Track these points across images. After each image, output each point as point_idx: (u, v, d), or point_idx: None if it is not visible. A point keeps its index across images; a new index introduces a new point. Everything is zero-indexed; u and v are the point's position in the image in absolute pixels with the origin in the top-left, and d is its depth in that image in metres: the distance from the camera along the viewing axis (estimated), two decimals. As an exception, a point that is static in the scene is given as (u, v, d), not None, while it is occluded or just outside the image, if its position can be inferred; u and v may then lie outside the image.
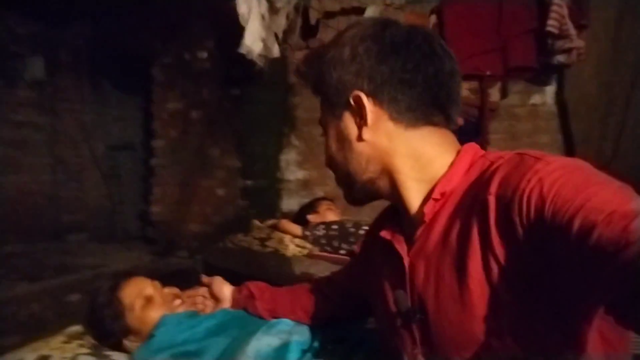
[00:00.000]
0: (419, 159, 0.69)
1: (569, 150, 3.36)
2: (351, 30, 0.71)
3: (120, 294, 1.12)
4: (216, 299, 1.19)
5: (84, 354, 1.06)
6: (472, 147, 0.71)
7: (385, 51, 0.67)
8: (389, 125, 0.69)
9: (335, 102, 0.72)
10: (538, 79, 3.36)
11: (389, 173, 0.70)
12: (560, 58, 2.99)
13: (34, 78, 4.64)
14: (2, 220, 4.51)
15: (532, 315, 0.55)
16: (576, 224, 0.46)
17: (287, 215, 3.89)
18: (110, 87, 5.66)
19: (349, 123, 0.71)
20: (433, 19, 3.19)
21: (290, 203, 4.09)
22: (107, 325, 1.10)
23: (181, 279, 1.29)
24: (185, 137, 4.61)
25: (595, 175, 0.52)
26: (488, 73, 3.12)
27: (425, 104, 0.68)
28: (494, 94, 3.37)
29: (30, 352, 1.05)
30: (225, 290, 1.19)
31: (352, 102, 0.69)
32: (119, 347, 1.12)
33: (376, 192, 0.74)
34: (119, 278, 1.18)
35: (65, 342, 1.11)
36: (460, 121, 2.69)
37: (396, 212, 0.76)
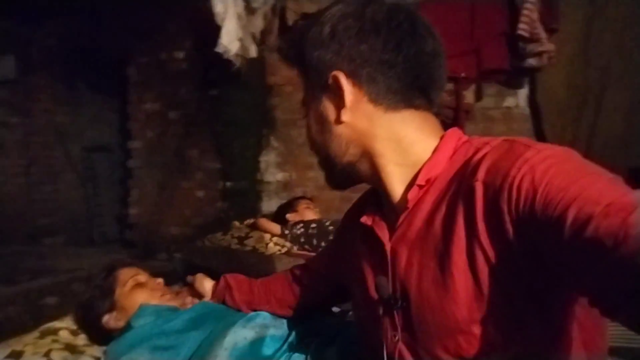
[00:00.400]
0: (400, 142, 0.67)
1: (542, 151, 3.44)
2: (333, 7, 0.68)
3: (117, 272, 1.20)
4: (198, 295, 1.21)
5: (58, 349, 1.05)
6: (456, 132, 0.69)
7: (365, 30, 0.64)
8: (368, 107, 0.66)
9: (315, 83, 0.69)
10: (511, 82, 3.43)
11: (369, 156, 0.68)
12: (532, 61, 3.07)
13: (5, 77, 4.55)
14: (-26, 223, 4.40)
15: (515, 303, 0.55)
16: (571, 214, 0.44)
17: (267, 216, 3.89)
18: (84, 87, 5.57)
19: (328, 104, 0.68)
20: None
21: (271, 204, 4.08)
22: (98, 301, 1.15)
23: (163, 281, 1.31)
24: (163, 138, 4.57)
25: (587, 165, 0.51)
26: (463, 75, 3.18)
27: (406, 86, 0.65)
28: (469, 96, 3.44)
29: (2, 347, 1.04)
30: (207, 285, 1.19)
31: (330, 82, 0.67)
32: (96, 328, 1.14)
33: (357, 175, 0.71)
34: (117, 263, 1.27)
35: (39, 338, 1.10)
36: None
37: (377, 196, 0.74)
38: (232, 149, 4.26)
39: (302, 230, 2.19)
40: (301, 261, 1.98)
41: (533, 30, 2.93)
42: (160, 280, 1.24)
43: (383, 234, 0.69)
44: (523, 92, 3.47)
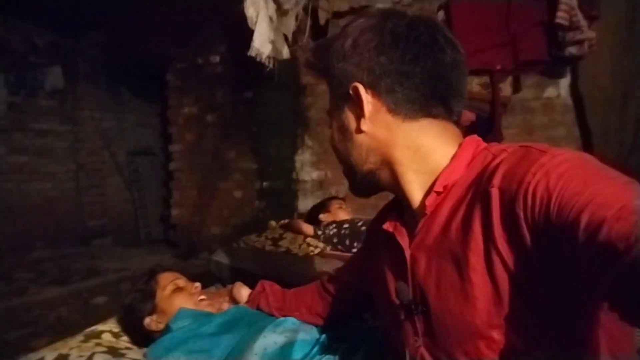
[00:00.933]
0: (418, 150, 0.68)
1: (586, 143, 3.31)
2: (356, 21, 0.71)
3: (158, 276, 1.25)
4: (235, 301, 1.26)
5: (101, 352, 1.11)
6: (474, 140, 0.69)
7: (384, 43, 0.67)
8: (387, 117, 0.68)
9: (337, 93, 0.72)
10: (551, 72, 3.31)
11: (389, 164, 0.70)
12: (572, 50, 2.94)
13: (54, 87, 4.79)
14: (29, 227, 4.67)
15: (534, 308, 0.55)
16: (584, 219, 0.45)
17: (303, 215, 3.92)
18: (127, 93, 5.80)
19: (349, 114, 0.71)
20: (441, 15, 3.18)
21: (306, 203, 4.12)
22: (140, 303, 1.21)
23: (204, 280, 1.36)
24: (201, 141, 4.70)
25: (602, 169, 0.51)
26: (498, 67, 3.09)
27: (424, 96, 0.67)
28: (506, 88, 3.33)
29: (50, 351, 1.10)
30: (244, 292, 1.26)
31: (351, 93, 0.69)
32: (138, 330, 1.20)
33: (377, 183, 0.73)
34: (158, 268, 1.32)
35: (83, 342, 1.16)
36: (472, 117, 2.67)
37: (399, 204, 0.76)
38: (268, 149, 4.32)
39: (335, 230, 2.20)
40: (334, 262, 2.00)
41: (572, 18, 2.81)
42: (197, 284, 1.28)
43: (403, 240, 0.71)
44: (565, 82, 3.34)
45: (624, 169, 0.51)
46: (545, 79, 3.37)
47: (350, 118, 0.71)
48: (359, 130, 0.70)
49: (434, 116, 0.69)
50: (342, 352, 1.00)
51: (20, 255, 4.46)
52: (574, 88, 3.31)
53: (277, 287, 1.22)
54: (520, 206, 0.53)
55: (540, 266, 0.53)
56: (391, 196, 0.81)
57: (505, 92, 3.30)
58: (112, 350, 1.13)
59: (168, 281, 1.24)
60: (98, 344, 1.15)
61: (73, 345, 1.13)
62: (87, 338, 1.18)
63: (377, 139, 0.69)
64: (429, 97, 0.67)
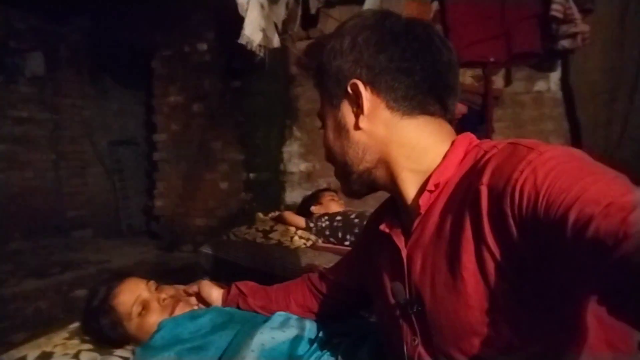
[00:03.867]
0: (414, 148, 0.69)
1: (575, 136, 3.33)
2: (352, 21, 0.72)
3: (115, 302, 1.08)
4: (205, 303, 1.18)
5: (87, 350, 1.05)
6: (467, 137, 0.70)
7: (384, 40, 0.68)
8: (385, 114, 0.69)
9: (334, 92, 0.72)
10: (542, 65, 3.32)
11: (385, 163, 0.71)
12: (565, 43, 2.95)
13: (34, 73, 4.63)
14: (7, 217, 4.53)
15: (527, 304, 0.55)
16: (572, 216, 0.45)
17: (290, 207, 3.88)
18: (110, 81, 5.65)
19: (347, 112, 0.71)
20: (435, 5, 3.14)
21: (294, 195, 4.08)
22: (107, 333, 1.07)
23: (187, 273, 1.26)
24: (187, 130, 4.60)
25: (590, 165, 0.51)
26: (492, 59, 3.08)
27: (422, 93, 0.68)
28: (498, 81, 3.33)
29: (32, 349, 1.04)
30: (214, 293, 1.17)
31: (349, 90, 0.69)
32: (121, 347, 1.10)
33: (373, 182, 0.74)
34: (113, 282, 1.13)
35: (68, 339, 1.10)
36: (464, 109, 2.66)
37: (394, 204, 0.77)
38: (255, 140, 4.25)
39: (327, 223, 2.16)
40: (326, 254, 1.97)
41: (567, 11, 2.81)
42: (164, 293, 1.13)
43: (399, 240, 0.71)
44: (555, 76, 3.35)
45: (612, 163, 0.50)
46: (535, 72, 3.38)
47: (347, 116, 0.71)
48: (356, 127, 0.70)
49: (431, 114, 0.70)
50: (344, 349, 0.96)
51: (-2, 247, 4.32)
52: (564, 82, 3.33)
53: (253, 285, 1.16)
54: (508, 203, 0.53)
55: (530, 263, 0.53)
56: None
57: (498, 85, 3.29)
58: (98, 348, 1.06)
59: (130, 305, 1.08)
60: (84, 341, 1.09)
61: (57, 343, 1.07)
62: (72, 335, 1.11)
63: (374, 136, 0.70)
64: (427, 95, 0.68)
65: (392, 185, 0.72)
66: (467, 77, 3.28)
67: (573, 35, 2.90)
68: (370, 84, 0.68)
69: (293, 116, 4.04)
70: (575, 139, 3.33)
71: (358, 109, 0.70)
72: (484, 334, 0.58)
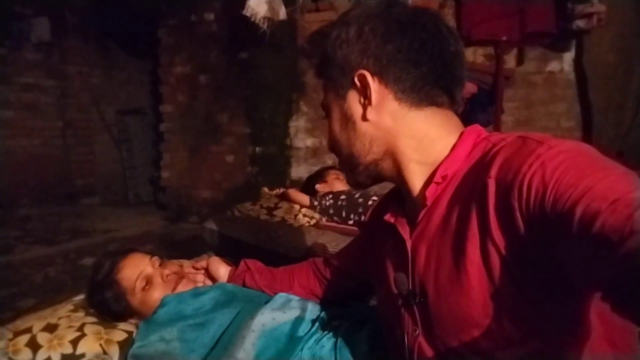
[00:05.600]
0: (422, 140, 0.68)
1: (586, 119, 3.28)
2: (357, 9, 0.71)
3: (119, 276, 1.10)
4: (213, 279, 1.21)
5: (91, 322, 1.07)
6: (475, 129, 0.69)
7: (391, 30, 0.66)
8: (393, 105, 0.68)
9: (339, 82, 0.71)
10: (556, 45, 3.24)
11: (392, 154, 0.70)
12: (580, 23, 2.87)
13: (40, 39, 4.59)
14: (15, 184, 4.58)
15: (530, 298, 0.55)
16: (579, 210, 0.45)
17: (295, 182, 3.89)
18: (117, 49, 5.60)
19: (353, 103, 0.70)
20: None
21: (299, 170, 4.08)
22: (111, 307, 1.10)
23: (192, 245, 1.28)
24: (193, 102, 4.57)
25: (599, 161, 0.51)
26: (504, 38, 3.00)
27: (430, 84, 0.67)
28: (510, 60, 3.26)
29: (38, 320, 1.06)
30: (222, 270, 1.20)
31: (357, 81, 0.68)
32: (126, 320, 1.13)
33: (379, 173, 0.73)
34: (117, 256, 1.15)
35: (73, 311, 1.12)
36: (474, 89, 2.60)
37: (399, 195, 0.76)
38: (262, 113, 4.23)
39: (331, 201, 2.16)
40: (330, 233, 1.98)
41: (584, -11, 2.72)
42: (168, 269, 1.14)
43: (404, 231, 0.71)
44: (568, 56, 3.28)
45: (619, 157, 0.48)
46: (549, 52, 3.30)
47: (354, 107, 0.70)
48: (364, 119, 0.69)
49: (439, 105, 0.69)
50: (344, 331, 0.97)
51: (6, 213, 4.38)
52: (577, 63, 3.26)
53: (261, 264, 1.19)
54: (516, 197, 0.53)
55: (535, 257, 0.53)
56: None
57: (509, 65, 3.23)
58: (102, 322, 1.09)
59: (133, 280, 1.09)
60: (88, 314, 1.11)
61: (62, 315, 1.09)
62: (77, 307, 1.14)
63: (382, 127, 0.69)
64: (435, 86, 0.68)
65: (399, 177, 0.71)
66: (478, 55, 3.21)
67: (589, 15, 2.82)
68: (377, 74, 0.67)
69: (300, 90, 4.00)
70: (587, 122, 3.28)
71: (365, 100, 0.69)
72: (485, 327, 0.58)
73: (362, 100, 0.69)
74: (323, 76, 0.74)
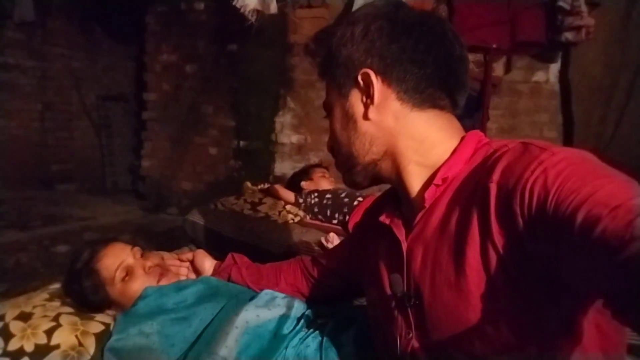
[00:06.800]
0: (423, 142, 0.68)
1: (568, 131, 3.33)
2: (363, 9, 0.71)
3: (99, 265, 1.07)
4: (197, 272, 1.19)
5: (67, 313, 1.03)
6: (476, 135, 0.69)
7: (397, 30, 0.67)
8: (395, 105, 0.68)
9: (343, 81, 0.71)
10: (543, 56, 3.29)
11: (392, 155, 0.70)
12: (569, 35, 2.92)
13: (23, 19, 4.44)
14: (-11, 165, 4.43)
15: (529, 304, 0.55)
16: (580, 216, 0.45)
17: (279, 178, 3.86)
18: (101, 33, 5.47)
19: (356, 102, 0.70)
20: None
21: (283, 166, 4.05)
22: (89, 297, 1.06)
23: (171, 237, 1.25)
24: (178, 91, 4.49)
25: (601, 168, 0.51)
26: (494, 46, 3.03)
27: (433, 86, 0.67)
28: (498, 68, 3.29)
29: (11, 308, 1.02)
30: (207, 263, 1.19)
31: (360, 80, 0.68)
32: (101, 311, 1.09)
33: (377, 174, 0.73)
34: (97, 245, 1.12)
35: (48, 300, 1.08)
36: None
37: (395, 196, 0.76)
38: (248, 107, 4.18)
39: (316, 200, 2.15)
40: (314, 231, 1.96)
41: (574, 3, 2.77)
42: (149, 263, 1.10)
43: (400, 232, 0.71)
44: (554, 68, 3.33)
45: (621, 165, 0.50)
46: (536, 62, 3.35)
47: (356, 106, 0.70)
48: (365, 118, 0.69)
49: (441, 108, 0.69)
50: (330, 330, 0.96)
51: (-22, 195, 4.24)
52: (562, 75, 3.31)
53: (247, 259, 1.18)
54: (517, 202, 0.53)
55: (535, 263, 0.53)
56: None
57: (497, 72, 3.26)
58: (79, 312, 1.05)
59: (113, 270, 1.06)
60: (64, 304, 1.07)
61: (37, 304, 1.05)
62: (53, 296, 1.09)
63: (383, 127, 0.69)
64: (438, 88, 0.68)
65: (397, 178, 0.71)
66: (467, 61, 3.24)
67: (577, 28, 2.87)
68: (381, 74, 0.67)
69: (288, 86, 3.96)
70: (568, 134, 3.34)
71: (368, 99, 0.68)
72: (482, 331, 0.58)
73: (364, 99, 0.69)
74: (326, 75, 0.74)
